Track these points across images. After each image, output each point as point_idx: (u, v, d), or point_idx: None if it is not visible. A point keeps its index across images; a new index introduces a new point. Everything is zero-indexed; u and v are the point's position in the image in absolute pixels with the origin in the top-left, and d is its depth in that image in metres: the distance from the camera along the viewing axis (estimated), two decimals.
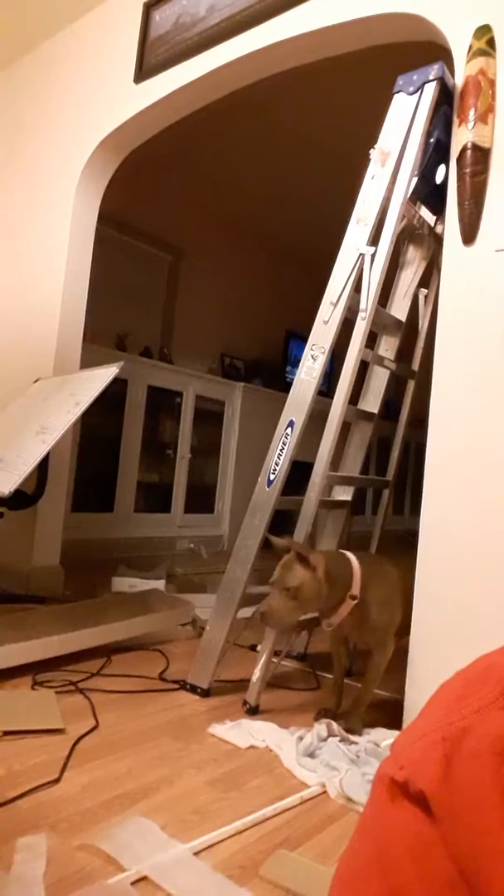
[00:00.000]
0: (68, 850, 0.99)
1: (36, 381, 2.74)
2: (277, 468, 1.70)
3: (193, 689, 1.72)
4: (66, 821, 1.07)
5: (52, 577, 2.80)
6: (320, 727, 1.46)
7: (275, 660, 1.69)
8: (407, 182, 1.71)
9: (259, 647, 1.68)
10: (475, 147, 1.60)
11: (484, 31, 1.65)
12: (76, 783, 1.20)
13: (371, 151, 1.75)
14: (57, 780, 1.20)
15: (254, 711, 1.61)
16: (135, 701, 1.64)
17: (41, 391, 2.55)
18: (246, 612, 1.80)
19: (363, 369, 1.85)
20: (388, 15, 1.92)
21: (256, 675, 1.63)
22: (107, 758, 1.32)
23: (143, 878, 0.93)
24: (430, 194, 1.79)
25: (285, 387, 1.90)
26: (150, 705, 1.62)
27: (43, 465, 2.53)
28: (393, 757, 0.34)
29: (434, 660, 1.55)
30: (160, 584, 2.84)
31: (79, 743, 1.36)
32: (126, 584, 2.88)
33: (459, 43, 1.71)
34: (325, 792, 1.24)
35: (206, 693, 1.71)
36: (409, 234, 1.99)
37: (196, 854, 1.00)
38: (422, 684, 1.55)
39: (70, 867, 0.94)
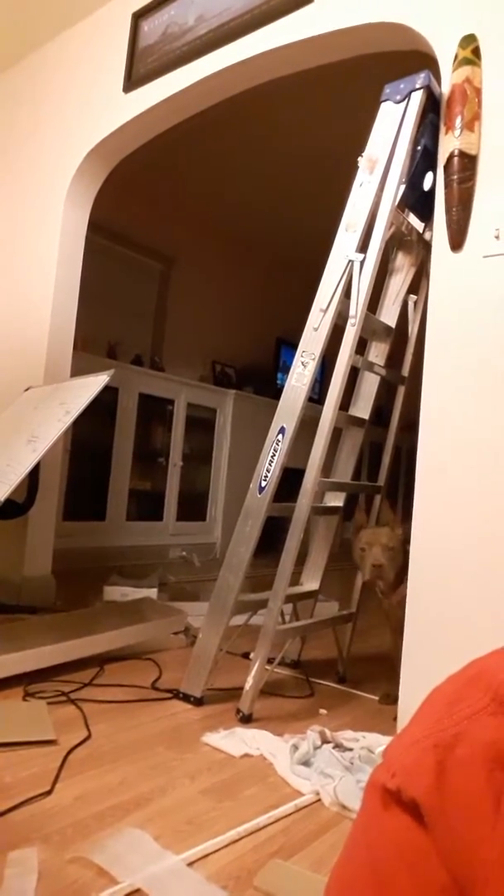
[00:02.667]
0: (60, 863, 0.97)
1: (27, 390, 2.73)
2: (269, 475, 1.70)
3: (186, 698, 1.71)
4: (58, 833, 1.06)
5: (44, 586, 2.78)
6: (314, 735, 1.46)
7: (268, 667, 1.68)
8: (395, 189, 1.72)
9: (252, 655, 1.67)
10: (462, 154, 1.61)
11: (469, 41, 1.66)
12: (68, 795, 1.19)
13: (359, 159, 1.76)
14: (49, 792, 1.19)
15: (247, 719, 1.60)
16: (127, 711, 1.63)
17: (32, 400, 2.54)
18: (238, 620, 1.80)
19: (353, 375, 1.85)
20: (375, 25, 1.93)
21: (249, 682, 1.62)
22: (99, 769, 1.30)
23: (137, 891, 0.92)
24: (418, 201, 1.80)
25: (277, 394, 1.89)
26: (143, 715, 1.61)
27: (33, 474, 2.51)
28: (385, 764, 0.33)
29: (428, 664, 1.55)
30: (152, 593, 2.82)
31: (71, 754, 1.35)
32: (118, 593, 2.86)
33: (445, 52, 1.73)
34: (319, 800, 1.24)
35: (199, 702, 1.70)
36: (398, 240, 2.00)
37: (190, 865, 0.99)
38: (415, 689, 1.55)
39: (62, 881, 0.93)
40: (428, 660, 1.55)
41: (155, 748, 1.42)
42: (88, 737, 1.45)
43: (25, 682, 1.73)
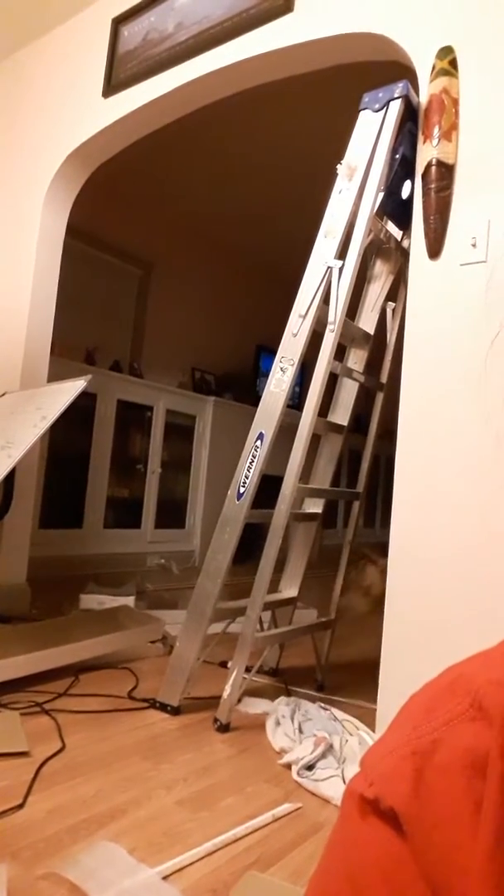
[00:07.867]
0: (31, 879, 0.95)
1: (2, 395, 2.69)
2: (247, 481, 1.69)
3: (163, 708, 1.69)
4: (30, 848, 1.03)
5: (19, 595, 2.73)
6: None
7: (246, 675, 1.67)
8: (373, 197, 1.73)
9: (230, 664, 1.66)
10: (440, 163, 1.63)
11: (446, 52, 1.68)
12: (40, 808, 1.16)
13: (338, 167, 1.77)
14: (20, 806, 1.16)
15: (225, 728, 1.58)
16: (103, 721, 1.60)
17: (8, 405, 2.51)
18: (216, 628, 1.78)
19: (332, 382, 1.85)
20: (354, 35, 1.95)
21: (227, 691, 1.61)
22: (73, 781, 1.28)
23: None
24: (396, 209, 1.82)
25: (256, 401, 1.89)
26: (119, 725, 1.58)
27: (9, 481, 2.47)
28: (362, 773, 0.33)
29: (405, 670, 1.55)
30: (130, 601, 2.79)
31: (44, 766, 1.32)
32: (95, 601, 2.82)
33: (423, 63, 1.74)
34: (297, 809, 1.22)
35: (176, 711, 1.67)
36: (377, 248, 2.01)
37: (165, 878, 0.97)
38: (393, 695, 1.54)
39: None
40: (406, 667, 1.55)
41: (130, 759, 1.40)
42: (62, 748, 1.42)
43: None
